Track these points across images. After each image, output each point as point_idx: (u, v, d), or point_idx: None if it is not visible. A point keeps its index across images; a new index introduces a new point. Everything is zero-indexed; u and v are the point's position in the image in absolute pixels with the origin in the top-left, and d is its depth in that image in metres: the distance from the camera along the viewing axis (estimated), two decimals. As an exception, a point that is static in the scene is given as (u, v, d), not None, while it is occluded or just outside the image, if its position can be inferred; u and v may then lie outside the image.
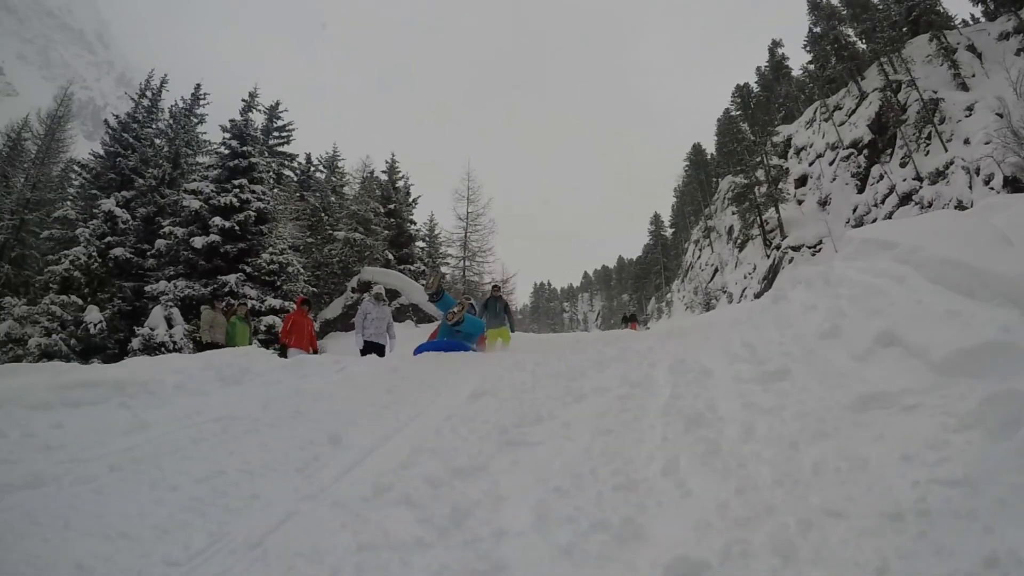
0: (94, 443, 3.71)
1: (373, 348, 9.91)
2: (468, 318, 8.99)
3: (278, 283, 17.11)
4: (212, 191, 16.63)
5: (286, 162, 26.59)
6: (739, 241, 41.83)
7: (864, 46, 35.59)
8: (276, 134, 26.40)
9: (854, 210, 30.60)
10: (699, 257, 52.58)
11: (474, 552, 2.11)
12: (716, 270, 45.79)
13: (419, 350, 8.40)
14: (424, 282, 9.16)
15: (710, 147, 58.64)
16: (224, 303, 13.51)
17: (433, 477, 2.84)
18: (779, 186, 37.25)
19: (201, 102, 23.22)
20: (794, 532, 1.91)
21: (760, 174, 38.09)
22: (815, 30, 38.84)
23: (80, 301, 15.67)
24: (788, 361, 3.87)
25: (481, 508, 2.46)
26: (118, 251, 17.03)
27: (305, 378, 6.50)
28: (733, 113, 47.11)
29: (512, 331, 12.87)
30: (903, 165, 28.80)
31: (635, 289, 75.85)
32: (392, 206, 26.69)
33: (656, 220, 71.99)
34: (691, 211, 63.31)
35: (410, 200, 29.72)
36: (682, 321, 27.36)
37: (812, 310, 4.88)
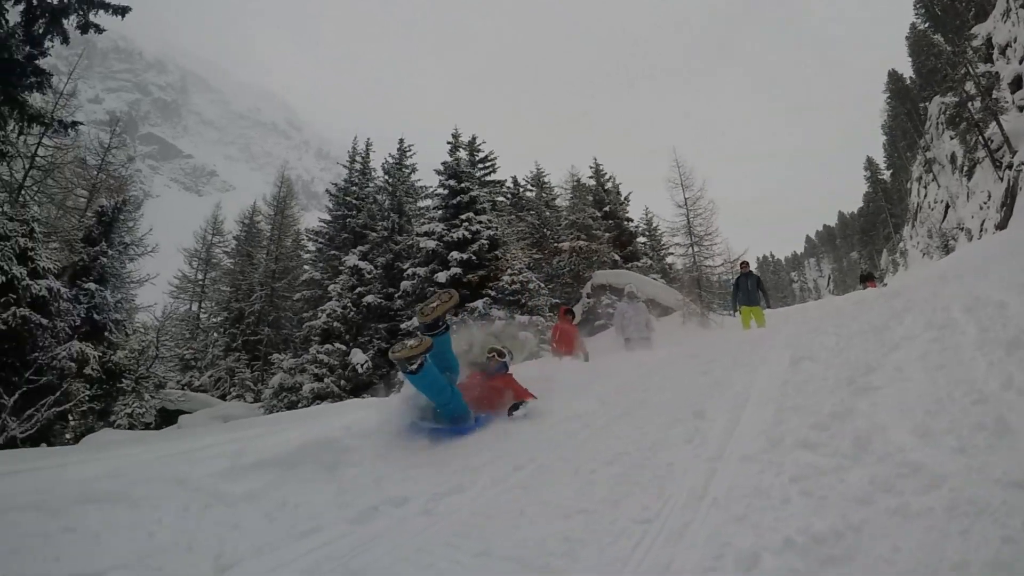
0: (472, 453, 4.35)
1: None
2: (434, 373, 4.83)
3: (522, 301, 18.29)
4: (443, 230, 18.30)
5: (496, 189, 27.89)
6: (965, 169, 36.50)
7: (1037, -95, 29.41)
8: (480, 166, 27.60)
9: (1085, 104, 25.08)
10: (925, 196, 46.44)
11: (892, 462, 2.52)
12: (947, 206, 40.21)
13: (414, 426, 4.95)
14: (423, 306, 4.87)
15: (907, 71, 52.11)
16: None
17: (816, 424, 3.20)
18: (994, 95, 31.77)
19: (408, 154, 25.54)
20: None
21: (970, 87, 32.85)
22: (980, -95, 33.12)
23: (343, 347, 17.96)
24: (1078, 280, 3.89)
25: (874, 437, 2.82)
26: (369, 298, 19.41)
27: (616, 375, 6.86)
28: (920, 26, 41.40)
29: (767, 307, 12.46)
30: (1125, 39, 23.12)
31: (863, 244, 69.25)
32: (607, 208, 27.72)
33: (870, 164, 65.11)
34: (905, 146, 55.88)
35: (622, 199, 30.25)
36: (924, 270, 24.33)
37: (1087, 227, 4.84)
